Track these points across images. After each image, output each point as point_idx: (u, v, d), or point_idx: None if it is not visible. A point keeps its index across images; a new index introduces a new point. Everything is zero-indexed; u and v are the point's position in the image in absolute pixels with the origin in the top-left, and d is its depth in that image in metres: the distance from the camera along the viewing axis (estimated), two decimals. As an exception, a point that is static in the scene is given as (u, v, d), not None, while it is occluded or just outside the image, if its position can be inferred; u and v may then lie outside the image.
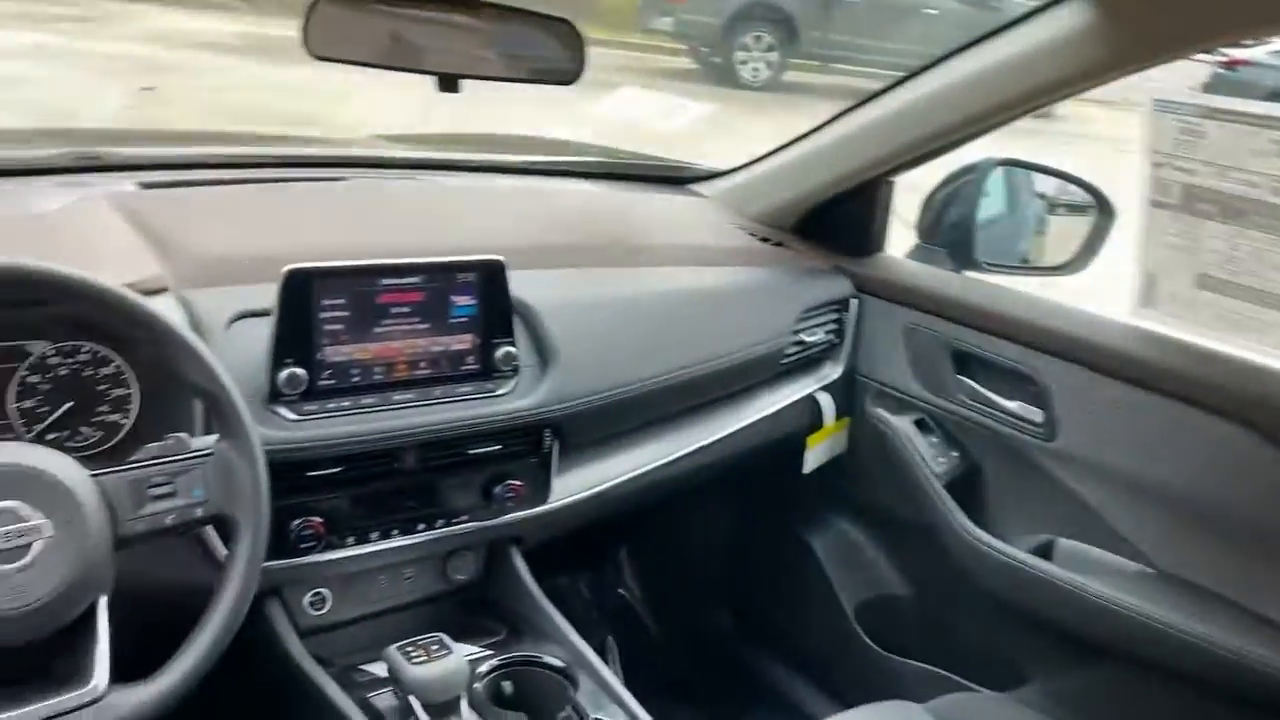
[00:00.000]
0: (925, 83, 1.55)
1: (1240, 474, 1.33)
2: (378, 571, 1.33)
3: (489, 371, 1.31)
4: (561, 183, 1.90)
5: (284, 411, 1.17)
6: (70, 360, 1.08)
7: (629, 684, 1.27)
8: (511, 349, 1.31)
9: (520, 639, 1.35)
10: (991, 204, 1.75)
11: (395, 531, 1.29)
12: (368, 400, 1.22)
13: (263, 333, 1.16)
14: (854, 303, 1.76)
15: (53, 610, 0.87)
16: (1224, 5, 1.23)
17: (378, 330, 1.22)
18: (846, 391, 1.76)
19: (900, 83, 1.60)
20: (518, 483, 1.35)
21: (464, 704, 1.14)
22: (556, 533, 1.45)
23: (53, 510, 0.88)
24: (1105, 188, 1.70)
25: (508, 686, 1.26)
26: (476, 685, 1.22)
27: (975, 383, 1.62)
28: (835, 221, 1.77)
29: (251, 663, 1.15)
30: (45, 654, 0.90)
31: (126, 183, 1.41)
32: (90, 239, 1.21)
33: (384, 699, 1.20)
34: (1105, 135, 5.97)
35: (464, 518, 1.33)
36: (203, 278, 1.20)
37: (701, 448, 1.57)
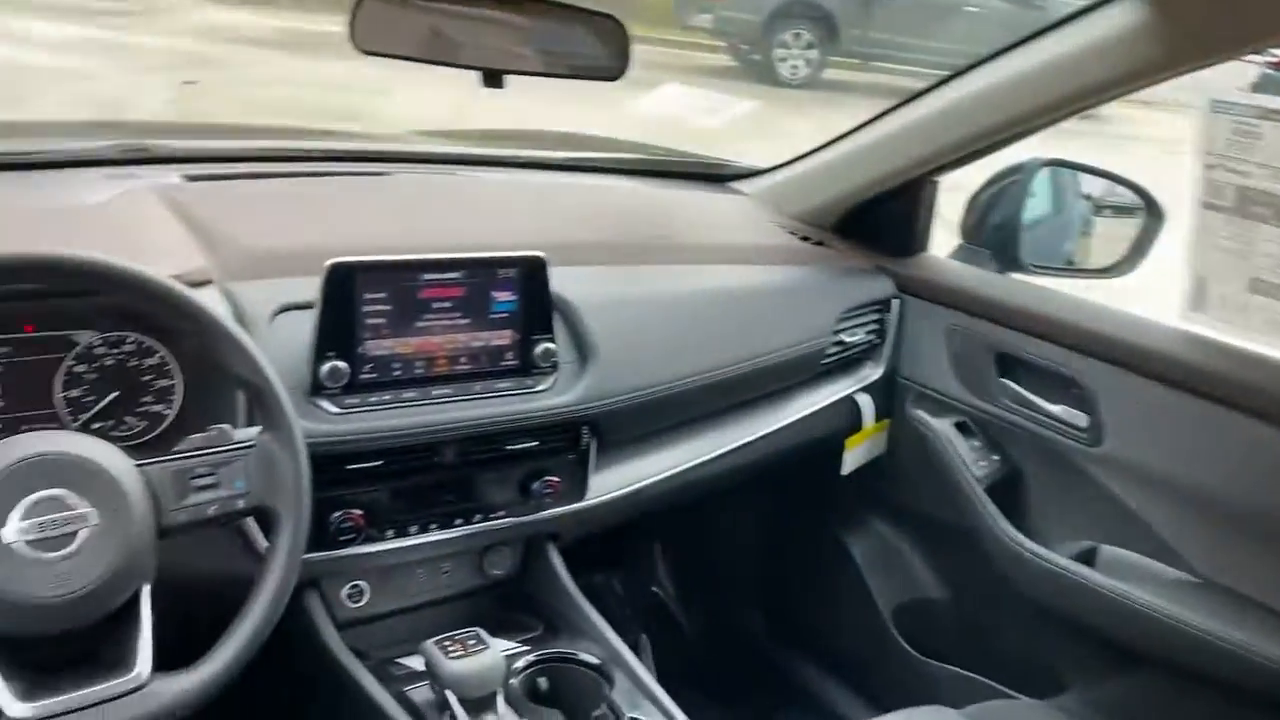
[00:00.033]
0: (971, 81, 1.53)
1: None
2: (415, 565, 1.34)
3: (528, 368, 1.31)
4: (602, 179, 1.89)
5: (325, 404, 1.18)
6: (116, 350, 1.09)
7: (662, 682, 1.27)
8: (551, 345, 1.31)
9: (556, 635, 1.35)
10: (1037, 205, 1.72)
11: (433, 525, 1.29)
12: (408, 394, 1.23)
13: (305, 326, 1.17)
14: (895, 303, 1.74)
15: (97, 598, 0.88)
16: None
17: (419, 325, 1.23)
18: (886, 393, 1.75)
19: (945, 81, 1.58)
20: (555, 479, 1.35)
21: (500, 699, 1.14)
22: (593, 529, 1.45)
23: (98, 499, 0.89)
24: (1153, 190, 1.67)
25: (543, 683, 1.26)
26: (512, 681, 1.22)
27: (1018, 386, 1.60)
28: (878, 221, 1.76)
29: (289, 654, 1.16)
30: (89, 642, 0.90)
31: (172, 175, 1.42)
32: (137, 231, 1.22)
33: (420, 693, 1.20)
34: (1155, 137, 5.87)
35: (501, 513, 1.34)
36: (247, 270, 1.21)
37: (739, 447, 1.56)
